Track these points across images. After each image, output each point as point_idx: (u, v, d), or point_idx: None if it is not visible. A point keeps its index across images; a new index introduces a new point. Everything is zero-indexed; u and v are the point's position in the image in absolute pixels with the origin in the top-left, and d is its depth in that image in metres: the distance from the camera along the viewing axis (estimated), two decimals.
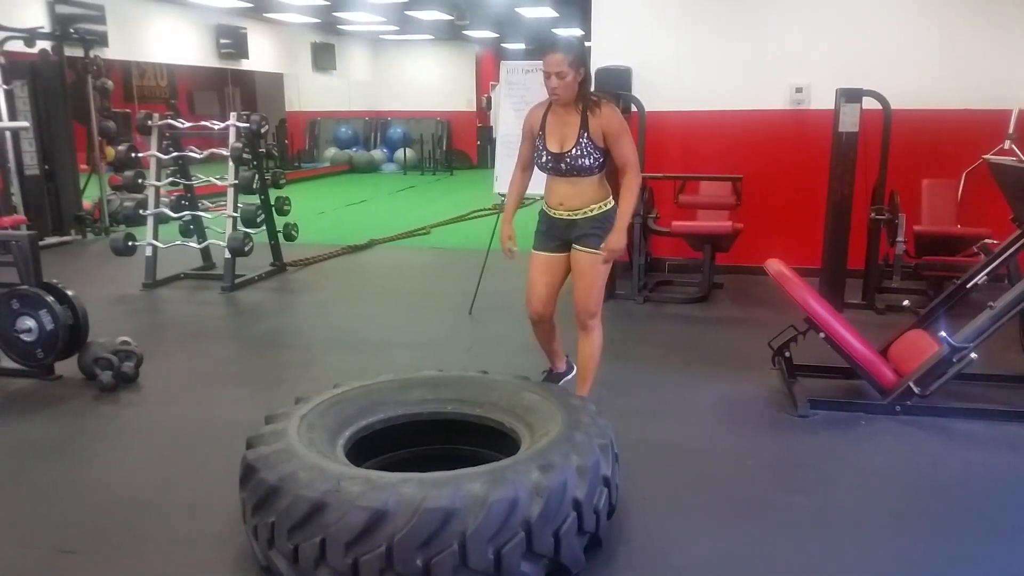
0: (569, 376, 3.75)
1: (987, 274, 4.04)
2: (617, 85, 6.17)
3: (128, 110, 9.50)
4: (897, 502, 2.94)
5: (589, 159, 3.24)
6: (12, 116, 7.62)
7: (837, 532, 2.69)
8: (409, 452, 2.92)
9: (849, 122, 5.23)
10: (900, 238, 5.33)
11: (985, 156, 5.55)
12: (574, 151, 3.23)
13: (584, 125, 3.23)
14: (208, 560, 2.52)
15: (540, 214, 3.47)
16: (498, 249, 3.67)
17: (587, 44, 6.69)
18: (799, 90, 6.33)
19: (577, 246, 3.36)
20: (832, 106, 5.33)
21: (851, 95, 5.25)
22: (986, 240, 5.09)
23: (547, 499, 2.20)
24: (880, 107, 5.46)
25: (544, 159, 3.33)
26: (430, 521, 2.08)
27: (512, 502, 2.15)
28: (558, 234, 3.39)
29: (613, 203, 3.34)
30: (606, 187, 3.36)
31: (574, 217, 3.32)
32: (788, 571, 2.47)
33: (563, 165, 3.27)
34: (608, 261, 3.33)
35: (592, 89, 3.40)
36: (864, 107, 5.24)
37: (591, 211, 3.31)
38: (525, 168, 3.52)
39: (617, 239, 3.28)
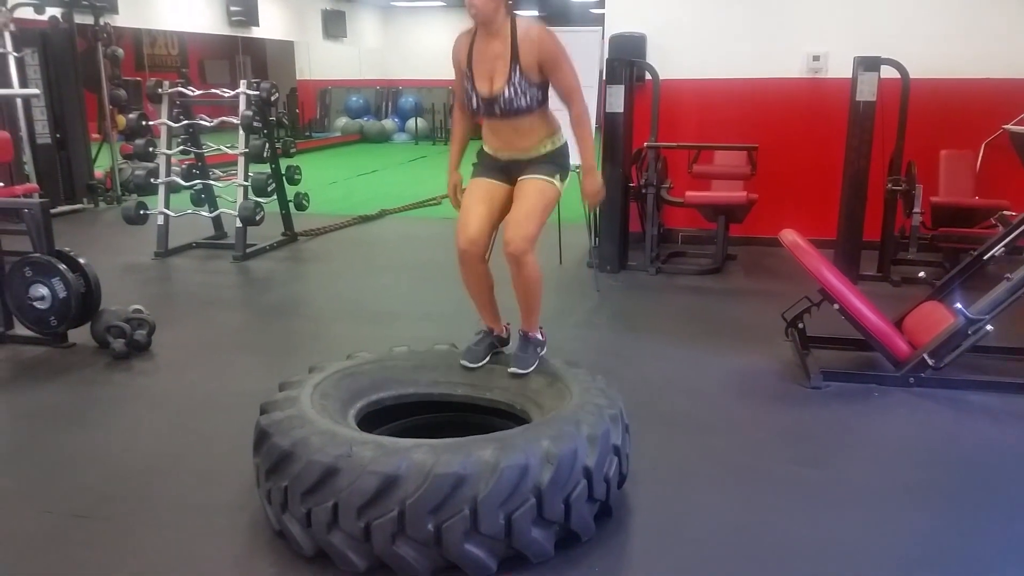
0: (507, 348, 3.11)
1: (1004, 246, 3.98)
2: (631, 52, 6.10)
3: (139, 78, 9.47)
4: (909, 475, 2.92)
5: (526, 98, 2.83)
6: (23, 84, 7.60)
7: (848, 504, 2.68)
8: (420, 419, 2.93)
9: (867, 91, 5.15)
10: (917, 209, 5.28)
11: (1005, 126, 5.45)
12: (507, 92, 2.81)
13: (515, 57, 2.80)
14: (221, 526, 2.54)
15: (479, 154, 3.08)
16: None
17: (601, 11, 6.62)
18: (816, 58, 6.23)
19: (525, 175, 2.94)
20: (849, 75, 5.25)
21: (869, 64, 5.17)
22: (1004, 211, 5.02)
23: (557, 466, 2.20)
24: (898, 76, 5.38)
25: (475, 103, 2.91)
26: (441, 486, 2.09)
27: (523, 468, 2.15)
28: (502, 168, 3.00)
29: (564, 138, 2.99)
30: (552, 117, 2.97)
31: (526, 156, 2.94)
32: (798, 543, 2.47)
33: (497, 108, 2.86)
34: (594, 203, 3.05)
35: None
36: (882, 76, 5.16)
37: (542, 149, 2.94)
38: (464, 107, 3.06)
39: (592, 181, 2.99)
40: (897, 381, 3.65)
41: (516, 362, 2.92)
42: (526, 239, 2.87)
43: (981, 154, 6.03)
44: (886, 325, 3.79)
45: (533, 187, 2.93)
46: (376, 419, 2.78)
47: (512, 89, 2.82)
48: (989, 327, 3.51)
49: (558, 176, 2.97)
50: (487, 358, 3.00)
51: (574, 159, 3.01)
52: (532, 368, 2.90)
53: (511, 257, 2.90)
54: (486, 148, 3.05)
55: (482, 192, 3.00)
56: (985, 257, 4.02)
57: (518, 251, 2.87)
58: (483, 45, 2.89)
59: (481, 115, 2.97)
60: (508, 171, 3.00)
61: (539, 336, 3.03)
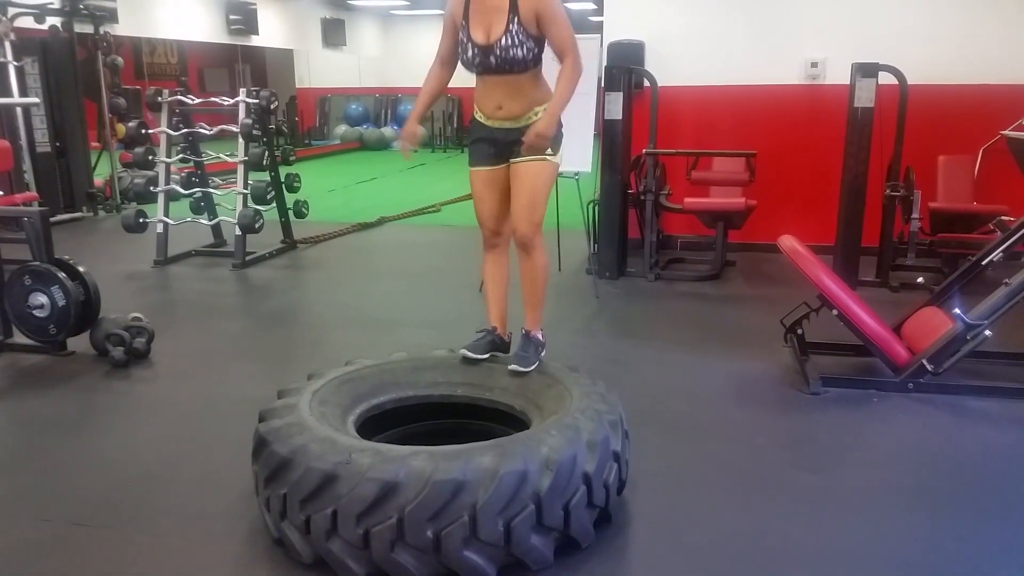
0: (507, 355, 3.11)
1: (1003, 251, 3.99)
2: (630, 59, 6.12)
3: (139, 87, 9.49)
4: (909, 480, 2.92)
5: (522, 49, 2.84)
6: (23, 93, 7.62)
7: (847, 510, 2.68)
8: (419, 426, 2.92)
9: (865, 97, 5.16)
10: (915, 215, 5.29)
11: (1003, 132, 5.47)
12: (504, 40, 2.84)
13: (513, 8, 2.84)
14: (220, 533, 2.54)
15: (473, 124, 3.09)
16: None
17: (600, 19, 6.64)
18: (814, 65, 6.25)
19: (516, 159, 2.98)
20: (848, 81, 5.26)
21: (867, 70, 5.18)
22: (1002, 217, 5.03)
23: (557, 472, 2.20)
24: (896, 82, 5.39)
25: (471, 53, 2.92)
26: (440, 493, 2.09)
27: (522, 475, 2.15)
28: (496, 144, 3.02)
29: None
30: (546, 85, 2.99)
31: (516, 126, 2.94)
32: (797, 549, 2.47)
33: (492, 59, 2.88)
34: (531, 147, 2.89)
35: None
36: (880, 82, 5.17)
37: (534, 116, 2.93)
38: (444, 63, 3.11)
39: (546, 124, 2.86)
40: (896, 386, 3.64)
41: (517, 360, 2.94)
42: (532, 225, 3.00)
43: (979, 160, 6.04)
44: (885, 331, 3.79)
45: (529, 171, 2.97)
46: (376, 424, 2.78)
47: (509, 38, 2.84)
48: (988, 332, 3.51)
49: (550, 149, 2.98)
50: (488, 354, 3.01)
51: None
52: (533, 367, 2.91)
53: (520, 244, 3.04)
54: (477, 115, 3.06)
55: (483, 182, 3.09)
56: (984, 262, 4.02)
57: (526, 238, 3.01)
58: (481, 1, 2.92)
59: (476, 68, 2.97)
60: (500, 148, 3.01)
61: (540, 337, 3.08)
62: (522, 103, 2.94)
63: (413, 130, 3.16)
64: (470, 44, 2.93)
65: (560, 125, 3.01)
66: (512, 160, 3.01)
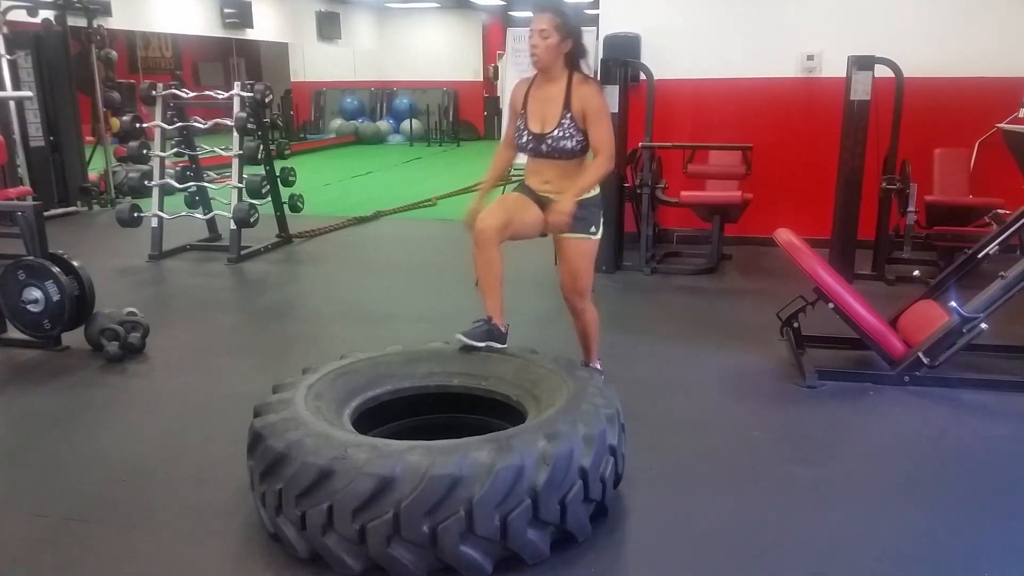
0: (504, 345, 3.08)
1: (998, 244, 3.99)
2: (625, 52, 6.10)
3: (133, 81, 9.45)
4: (905, 473, 2.93)
5: (572, 141, 3.09)
6: (16, 87, 7.58)
7: (844, 503, 2.68)
8: (415, 421, 2.92)
9: (861, 90, 5.16)
10: (911, 208, 5.28)
11: (999, 124, 5.47)
12: (556, 132, 3.08)
13: (567, 104, 3.08)
14: (215, 529, 2.53)
15: (520, 185, 3.29)
16: None
17: (595, 12, 6.62)
18: (810, 58, 6.23)
19: (564, 233, 3.19)
20: (844, 74, 5.26)
21: (863, 63, 5.17)
22: (998, 210, 5.03)
23: (553, 467, 2.20)
24: (892, 75, 5.39)
25: (524, 139, 3.17)
26: (437, 488, 2.08)
27: (518, 469, 2.15)
28: (540, 203, 3.18)
29: (598, 189, 3.19)
30: None
31: (559, 199, 3.11)
32: (794, 542, 2.47)
33: (544, 147, 3.12)
34: (553, 225, 3.09)
35: (585, 68, 3.19)
36: (876, 75, 5.17)
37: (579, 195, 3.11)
38: (508, 145, 3.38)
39: (567, 202, 3.02)
40: (892, 380, 3.65)
41: None
42: (581, 295, 3.31)
43: (975, 153, 6.04)
44: (881, 324, 3.79)
45: (576, 251, 3.22)
46: (372, 417, 2.77)
47: (561, 131, 3.09)
48: (984, 325, 3.52)
49: (594, 227, 3.22)
50: (484, 343, 2.99)
51: None
52: None
53: (571, 309, 3.36)
54: (527, 183, 3.27)
55: (514, 201, 3.20)
56: (979, 255, 4.02)
57: (577, 305, 3.33)
58: (540, 90, 3.17)
59: (528, 152, 3.20)
60: (545, 205, 3.17)
61: (598, 367, 3.41)
62: (568, 183, 3.11)
63: (476, 207, 3.25)
64: (526, 131, 3.17)
65: (600, 204, 3.21)
66: (560, 235, 3.22)
